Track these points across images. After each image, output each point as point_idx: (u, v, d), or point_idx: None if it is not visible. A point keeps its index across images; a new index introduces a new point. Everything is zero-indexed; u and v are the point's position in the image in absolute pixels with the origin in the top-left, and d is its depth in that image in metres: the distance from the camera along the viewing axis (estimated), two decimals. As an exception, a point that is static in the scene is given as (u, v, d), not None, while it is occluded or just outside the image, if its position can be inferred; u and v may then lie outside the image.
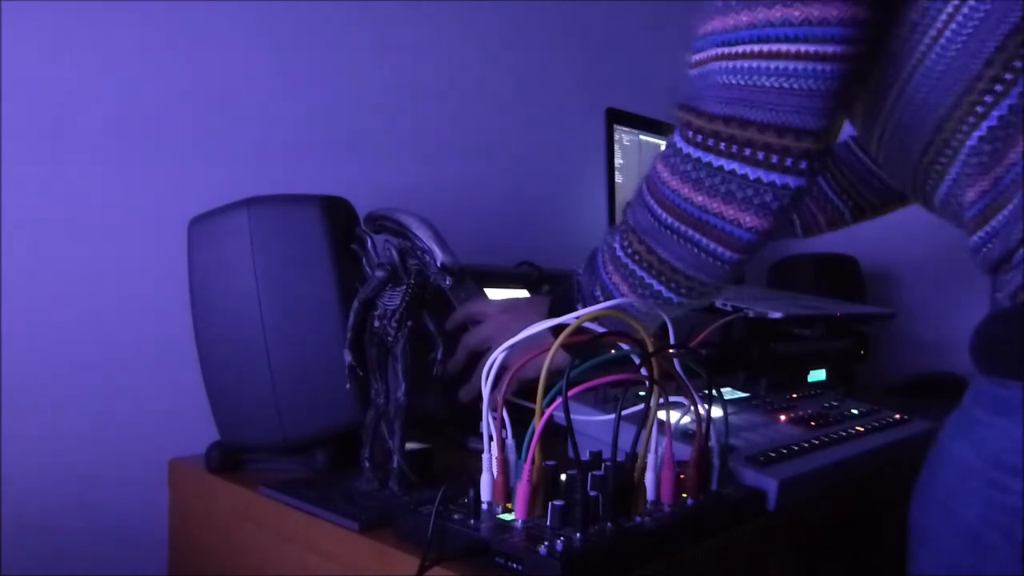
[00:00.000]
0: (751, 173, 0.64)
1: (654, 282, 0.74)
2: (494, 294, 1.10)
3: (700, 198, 0.67)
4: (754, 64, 0.63)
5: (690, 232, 0.69)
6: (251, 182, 1.07)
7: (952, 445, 0.63)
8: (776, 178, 0.64)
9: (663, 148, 0.72)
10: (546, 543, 0.56)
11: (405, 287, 0.76)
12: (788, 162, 0.64)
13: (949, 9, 0.61)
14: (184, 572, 0.90)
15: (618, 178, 1.42)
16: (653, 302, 0.74)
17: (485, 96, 1.45)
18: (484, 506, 0.64)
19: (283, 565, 0.76)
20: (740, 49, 0.63)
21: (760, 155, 0.64)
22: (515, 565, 0.57)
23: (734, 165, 0.65)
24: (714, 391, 0.73)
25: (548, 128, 1.56)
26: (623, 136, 1.45)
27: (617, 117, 1.44)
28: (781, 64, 0.62)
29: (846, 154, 1.07)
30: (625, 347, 0.68)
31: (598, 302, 0.78)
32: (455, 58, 1.39)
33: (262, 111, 1.14)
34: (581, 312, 0.66)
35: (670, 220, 0.70)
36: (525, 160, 1.52)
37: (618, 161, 1.43)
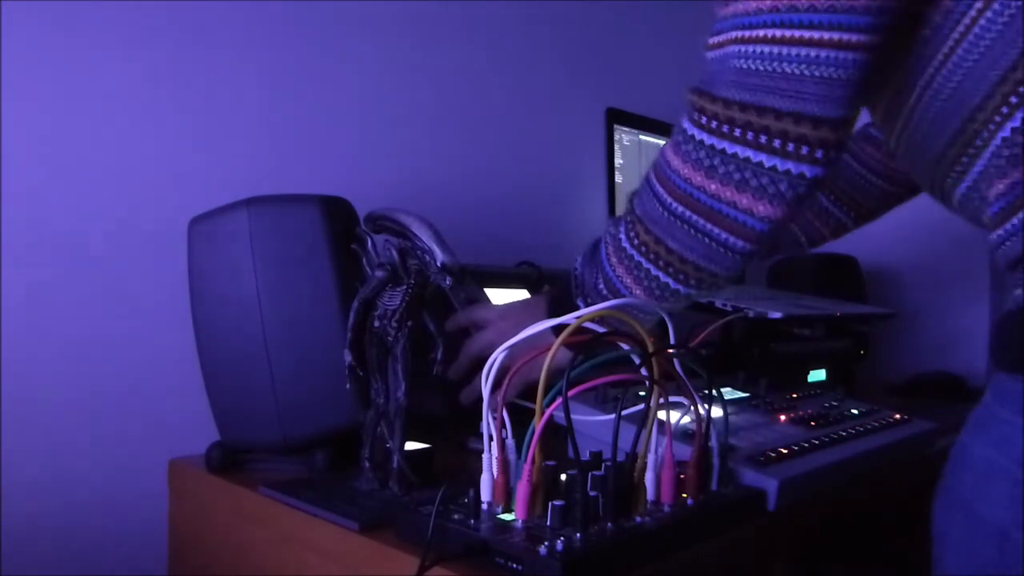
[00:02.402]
0: (766, 160, 0.63)
1: (660, 274, 0.72)
2: (494, 294, 1.10)
3: (713, 186, 0.66)
4: (775, 49, 0.62)
5: (702, 222, 0.68)
6: (251, 182, 1.07)
7: (974, 445, 0.62)
8: (792, 166, 0.63)
9: (672, 135, 0.70)
10: (546, 543, 0.56)
11: (405, 287, 0.76)
12: (804, 150, 0.63)
13: None
14: (184, 572, 0.90)
15: (618, 178, 1.42)
16: (659, 294, 0.73)
17: (485, 96, 1.45)
18: (484, 506, 0.63)
19: (283, 565, 0.76)
20: (761, 33, 0.62)
21: (776, 143, 0.63)
22: (515, 565, 0.57)
23: (749, 152, 0.64)
24: (714, 391, 0.73)
25: (548, 128, 1.56)
26: (623, 136, 1.45)
27: (617, 117, 1.44)
28: (803, 50, 0.61)
29: (839, 165, 1.06)
30: (625, 347, 0.68)
31: (600, 295, 0.78)
32: (455, 58, 1.39)
33: (262, 111, 1.14)
34: (581, 312, 0.66)
35: (681, 209, 0.69)
36: (525, 160, 1.52)
37: (618, 161, 1.43)
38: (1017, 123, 0.59)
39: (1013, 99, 0.59)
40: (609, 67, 1.67)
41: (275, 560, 0.76)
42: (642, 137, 1.49)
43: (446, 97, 1.38)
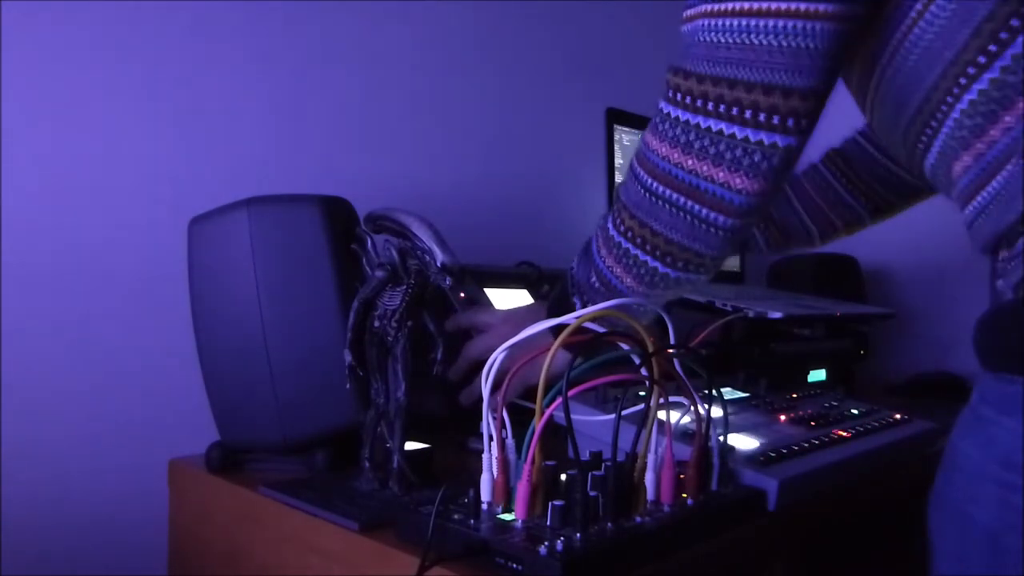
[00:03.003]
0: (739, 132, 0.64)
1: (648, 258, 0.72)
2: (494, 294, 1.10)
3: (690, 162, 0.66)
4: (743, 21, 0.62)
5: (682, 199, 0.68)
6: (251, 182, 1.07)
7: (962, 446, 0.62)
8: (764, 136, 0.63)
9: (652, 118, 0.71)
10: (546, 543, 0.56)
11: (405, 287, 0.76)
12: (775, 120, 0.63)
13: None
14: (184, 572, 0.90)
15: (618, 178, 1.42)
16: (649, 280, 0.73)
17: (485, 96, 1.45)
18: (484, 506, 0.64)
19: (283, 565, 0.76)
20: (729, 5, 0.63)
21: (747, 114, 0.63)
22: (515, 565, 0.57)
23: (722, 124, 0.64)
24: (714, 391, 0.73)
25: (548, 128, 1.56)
26: (623, 136, 1.45)
27: (617, 117, 1.44)
28: (771, 21, 0.61)
29: (857, 152, 1.03)
30: (625, 347, 0.68)
31: (593, 289, 0.78)
32: (455, 58, 1.39)
33: (262, 111, 1.14)
34: (581, 312, 0.66)
35: (661, 189, 0.69)
36: (525, 160, 1.52)
37: (618, 161, 1.43)
38: (965, 105, 0.60)
39: (962, 80, 0.60)
40: (609, 67, 1.66)
41: (275, 560, 0.77)
42: (642, 137, 1.49)
43: (446, 97, 1.38)
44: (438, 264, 0.76)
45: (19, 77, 0.93)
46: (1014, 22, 0.57)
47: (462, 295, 1.02)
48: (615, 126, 1.43)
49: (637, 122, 1.48)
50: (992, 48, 0.58)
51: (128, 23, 1.01)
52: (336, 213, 0.84)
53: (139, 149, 1.03)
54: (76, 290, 0.98)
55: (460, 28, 1.40)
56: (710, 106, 0.64)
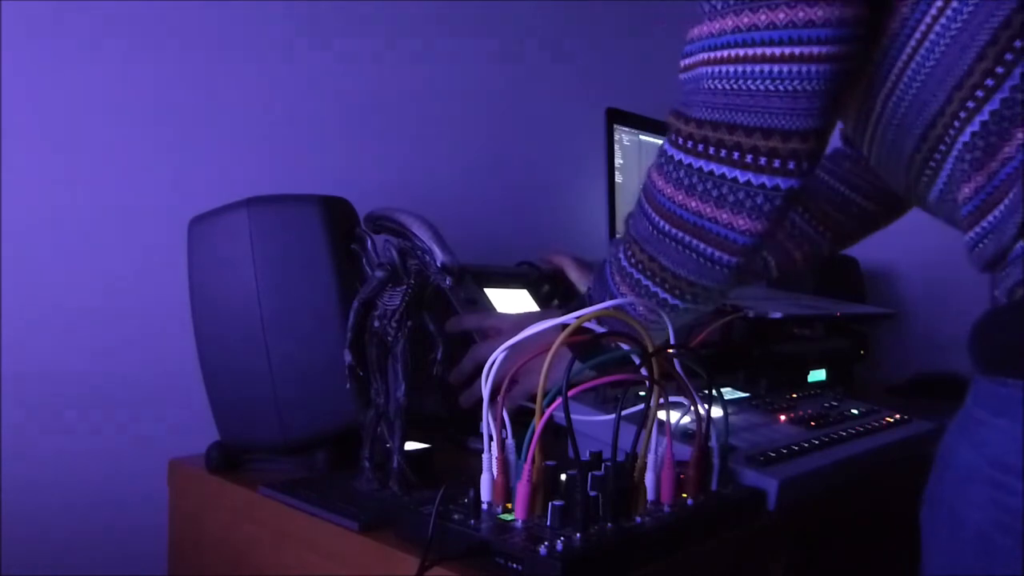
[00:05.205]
0: (740, 176, 0.65)
1: (659, 290, 0.74)
2: (494, 294, 1.10)
3: (694, 204, 0.68)
4: (740, 68, 0.63)
5: (688, 238, 0.70)
6: (251, 182, 1.07)
7: (956, 447, 0.62)
8: (766, 180, 0.65)
9: (656, 156, 0.72)
10: (546, 543, 0.56)
11: (405, 287, 0.76)
12: (776, 163, 0.64)
13: (939, 2, 0.61)
14: (184, 572, 0.90)
15: (618, 178, 1.42)
16: (660, 309, 0.75)
17: (485, 96, 1.45)
18: (484, 506, 0.64)
19: (283, 565, 0.76)
20: (726, 53, 0.64)
21: (748, 158, 0.64)
22: (515, 565, 0.57)
23: (724, 169, 0.66)
24: (714, 391, 0.73)
25: (548, 128, 1.56)
26: (623, 136, 1.45)
27: (617, 117, 1.44)
28: (766, 67, 0.62)
29: (813, 182, 1.02)
30: (625, 347, 0.68)
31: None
32: (455, 58, 1.39)
33: (262, 111, 1.14)
34: (581, 312, 0.66)
35: (668, 228, 0.70)
36: (525, 160, 1.52)
37: (618, 161, 1.43)
38: (976, 127, 0.60)
39: (970, 104, 0.60)
40: (609, 67, 1.67)
41: (275, 560, 0.77)
42: (642, 137, 1.49)
43: (446, 97, 1.38)
44: (438, 264, 0.76)
45: (18, 79, 0.93)
46: (1017, 43, 0.58)
47: (462, 295, 1.02)
48: (615, 126, 1.43)
49: (637, 122, 1.48)
50: (999, 70, 0.59)
51: (128, 23, 1.01)
52: (336, 213, 0.84)
53: (139, 148, 1.03)
54: (76, 290, 0.98)
55: (460, 28, 1.40)
56: (711, 151, 0.66)
